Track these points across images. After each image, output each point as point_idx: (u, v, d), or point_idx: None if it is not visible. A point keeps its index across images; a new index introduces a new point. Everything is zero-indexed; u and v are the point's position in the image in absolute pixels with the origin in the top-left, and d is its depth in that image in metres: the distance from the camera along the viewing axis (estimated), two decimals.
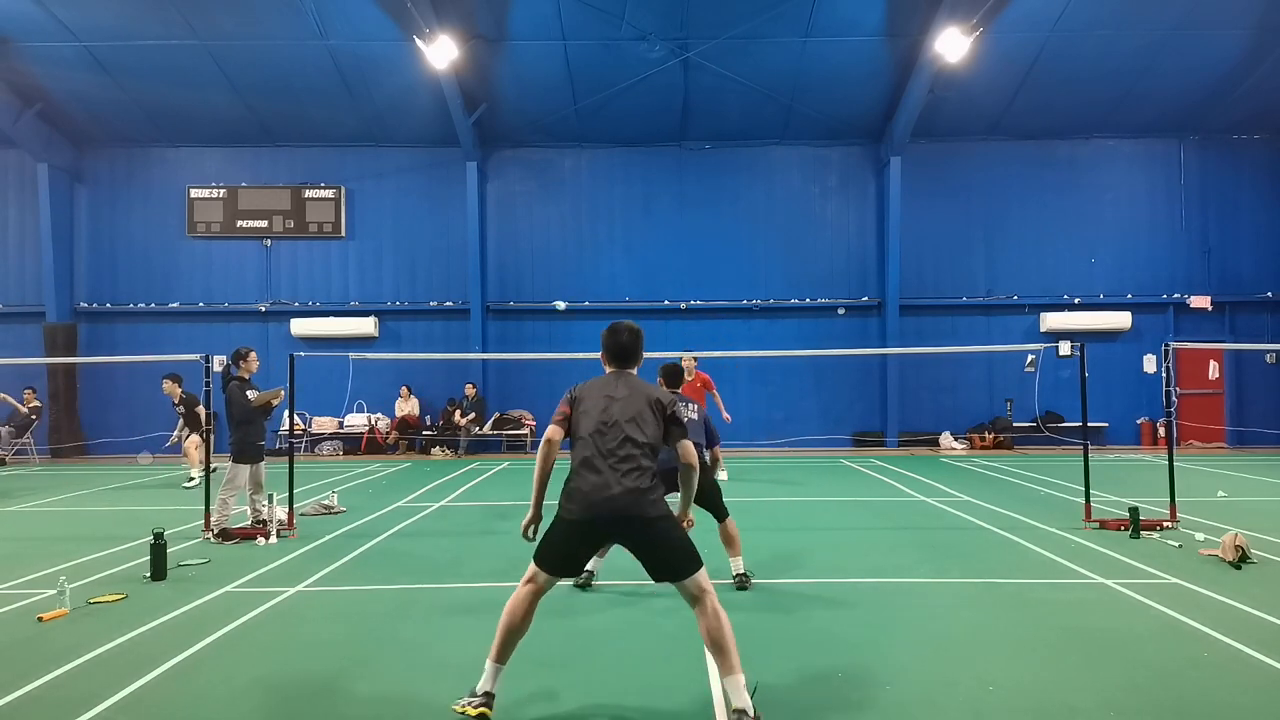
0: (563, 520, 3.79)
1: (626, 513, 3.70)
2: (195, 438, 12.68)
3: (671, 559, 3.74)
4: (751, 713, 3.51)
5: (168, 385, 12.57)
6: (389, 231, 17.83)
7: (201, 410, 12.44)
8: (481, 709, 3.64)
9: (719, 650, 3.66)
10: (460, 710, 3.65)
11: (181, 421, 12.96)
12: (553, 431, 3.85)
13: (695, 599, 3.71)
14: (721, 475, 11.94)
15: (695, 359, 11.70)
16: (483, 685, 3.72)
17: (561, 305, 14.88)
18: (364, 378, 15.96)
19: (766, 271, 17.68)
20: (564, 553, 3.82)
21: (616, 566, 6.74)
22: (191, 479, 12.44)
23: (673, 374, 6.32)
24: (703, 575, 3.74)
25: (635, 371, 4.08)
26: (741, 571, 6.05)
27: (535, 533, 3.89)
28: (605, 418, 3.81)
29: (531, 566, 3.83)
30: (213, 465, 12.24)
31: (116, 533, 8.31)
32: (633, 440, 3.77)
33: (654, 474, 3.81)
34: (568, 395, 3.94)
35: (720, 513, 6.05)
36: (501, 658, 3.76)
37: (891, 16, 14.85)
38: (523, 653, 4.60)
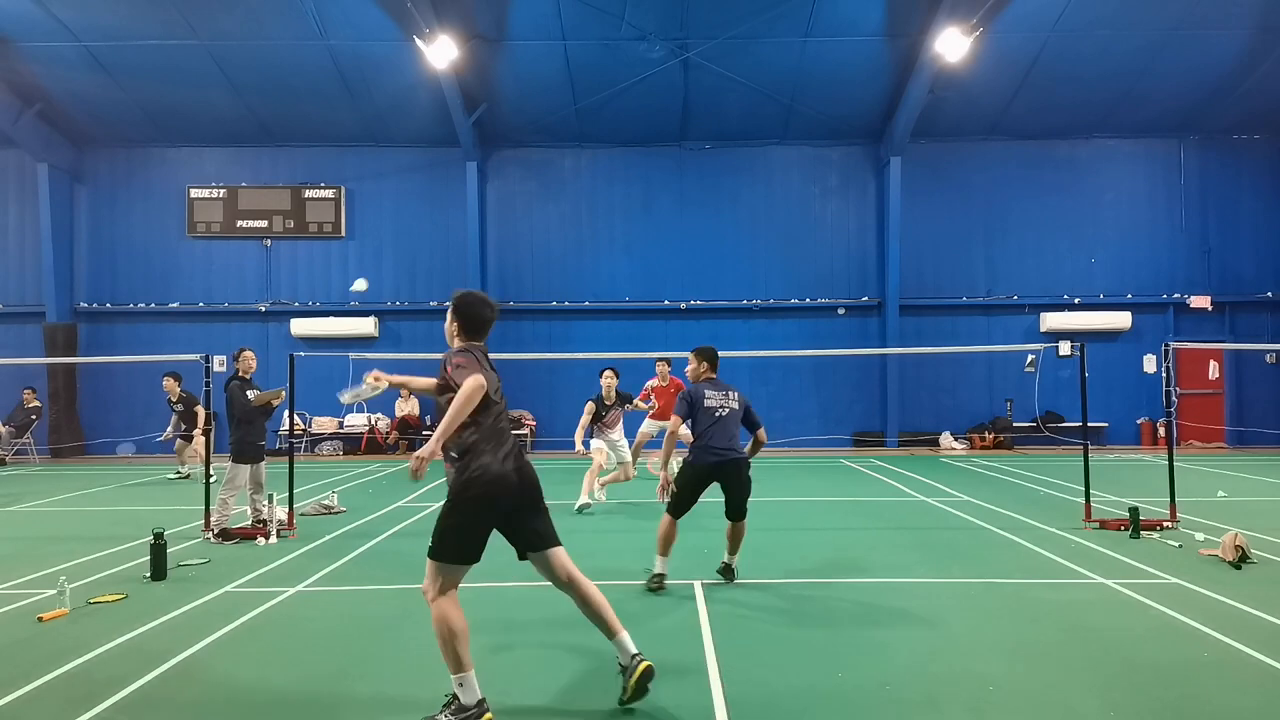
0: (484, 498, 3.70)
1: (537, 480, 3.91)
2: (199, 438, 12.85)
3: (549, 526, 3.93)
4: (637, 651, 3.82)
5: (168, 383, 12.88)
6: (389, 231, 17.83)
7: (200, 411, 12.68)
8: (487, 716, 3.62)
9: (601, 615, 3.86)
10: None
11: (175, 418, 13.17)
12: (484, 381, 3.65)
13: (569, 574, 3.89)
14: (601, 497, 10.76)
15: (669, 363, 11.45)
16: (469, 698, 3.60)
17: (362, 285, 12.16)
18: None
19: (766, 271, 17.67)
20: (483, 534, 3.74)
21: (611, 568, 6.75)
22: (210, 475, 12.64)
23: (715, 357, 6.17)
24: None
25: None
26: (732, 566, 6.11)
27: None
28: (499, 395, 3.92)
29: (441, 572, 3.68)
30: (187, 471, 12.41)
31: (116, 533, 8.31)
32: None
33: None
34: (473, 356, 3.78)
35: (740, 512, 5.99)
36: (468, 664, 3.64)
37: (891, 16, 14.85)
38: (523, 658, 4.60)
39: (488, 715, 3.62)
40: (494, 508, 3.75)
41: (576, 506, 9.44)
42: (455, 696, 3.63)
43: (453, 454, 3.76)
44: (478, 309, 3.97)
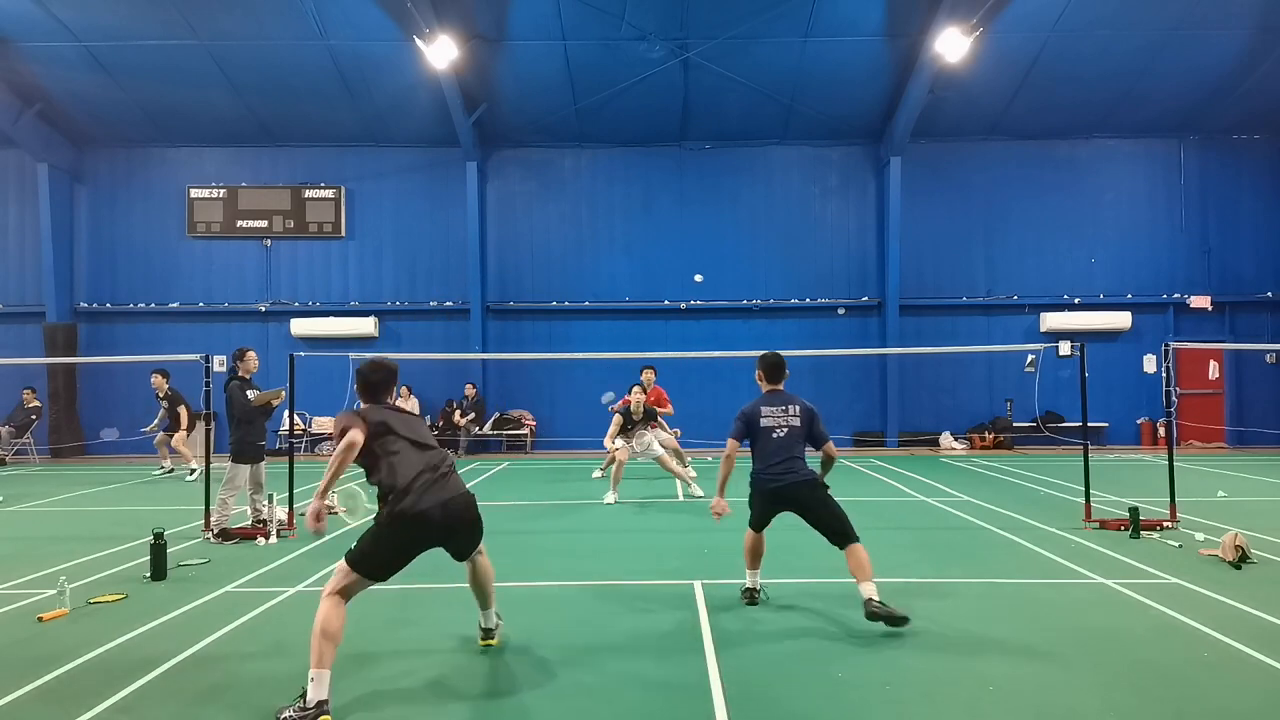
0: (404, 524, 4.07)
1: (468, 500, 4.32)
2: (182, 435, 13.25)
3: (477, 536, 4.48)
4: (500, 621, 4.79)
5: (156, 379, 13.24)
6: (389, 231, 17.83)
7: (183, 410, 12.95)
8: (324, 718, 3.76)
9: (481, 590, 4.66)
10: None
11: (162, 412, 13.48)
12: (357, 436, 4.06)
13: (472, 558, 4.55)
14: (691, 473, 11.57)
15: (654, 370, 12.10)
16: (314, 695, 3.79)
17: (698, 278, 14.99)
18: None
19: (766, 271, 17.67)
20: (398, 561, 4.16)
21: (607, 569, 6.75)
22: (193, 470, 12.97)
23: (776, 366, 5.58)
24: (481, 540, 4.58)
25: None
26: (875, 599, 4.98)
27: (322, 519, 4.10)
28: (421, 439, 4.32)
29: (350, 577, 4.05)
30: (169, 465, 12.55)
31: (116, 533, 8.31)
32: (440, 451, 4.38)
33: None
34: (354, 414, 4.19)
35: (838, 535, 5.19)
36: (326, 664, 3.87)
37: (891, 16, 14.84)
38: (527, 655, 4.61)
39: (325, 716, 3.75)
40: (415, 542, 4.17)
41: (607, 500, 10.13)
42: (304, 691, 3.84)
43: (377, 491, 4.18)
44: (374, 374, 4.44)
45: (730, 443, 5.48)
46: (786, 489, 5.29)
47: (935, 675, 4.24)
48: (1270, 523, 8.23)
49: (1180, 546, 7.19)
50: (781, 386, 5.56)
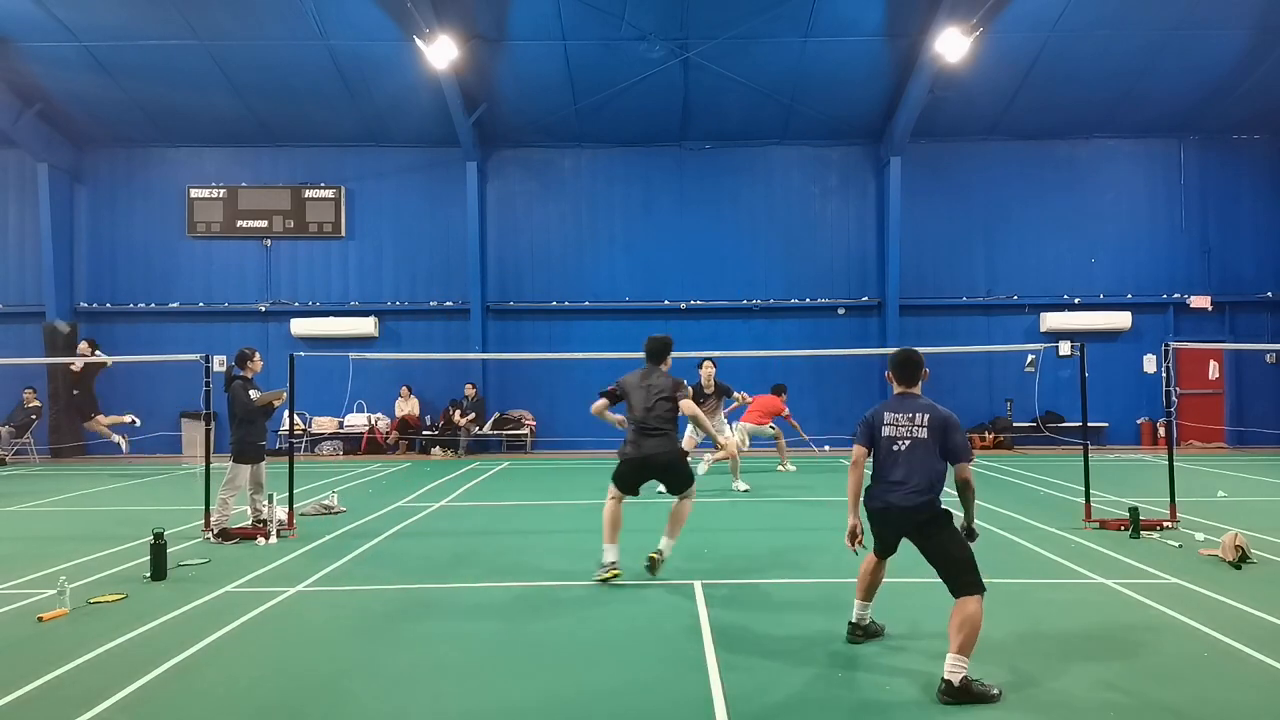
0: (623, 463, 6.28)
1: (664, 456, 6.23)
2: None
3: (677, 485, 6.39)
4: (665, 554, 6.23)
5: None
6: (389, 231, 17.82)
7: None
8: (614, 572, 6.04)
9: (671, 523, 6.30)
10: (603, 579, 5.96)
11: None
12: (597, 406, 6.52)
13: (680, 497, 6.39)
14: (739, 486, 11.00)
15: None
16: (605, 558, 6.07)
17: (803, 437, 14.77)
18: (364, 378, 15.96)
19: (766, 271, 17.66)
20: (629, 483, 6.32)
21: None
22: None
23: (907, 365, 4.85)
24: (690, 489, 6.41)
25: (663, 366, 6.49)
26: (958, 682, 3.88)
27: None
28: (645, 405, 6.22)
29: (613, 488, 6.32)
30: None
31: (116, 533, 8.31)
32: (659, 416, 6.24)
33: (673, 430, 6.32)
34: (619, 385, 6.41)
35: (961, 584, 4.16)
36: (609, 539, 6.14)
37: (891, 16, 14.84)
38: (528, 655, 4.61)
39: (613, 572, 6.02)
40: (632, 475, 6.31)
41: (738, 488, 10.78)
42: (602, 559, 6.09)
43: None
44: (646, 345, 6.61)
45: (855, 449, 4.66)
46: (891, 513, 4.39)
47: (935, 675, 4.22)
48: (1270, 523, 8.23)
49: (1180, 546, 7.19)
50: (918, 389, 4.69)
